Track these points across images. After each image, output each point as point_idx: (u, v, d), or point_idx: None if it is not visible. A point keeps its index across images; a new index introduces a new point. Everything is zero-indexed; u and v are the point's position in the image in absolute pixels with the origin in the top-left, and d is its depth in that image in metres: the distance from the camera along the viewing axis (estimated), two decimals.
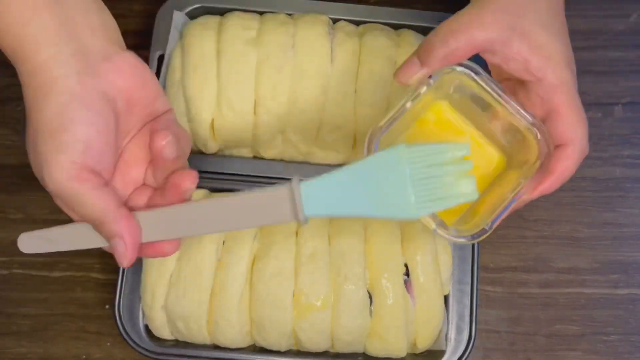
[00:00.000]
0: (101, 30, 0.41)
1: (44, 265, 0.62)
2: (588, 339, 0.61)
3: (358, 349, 0.56)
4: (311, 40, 0.57)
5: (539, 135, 0.44)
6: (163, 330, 0.56)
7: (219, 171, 0.59)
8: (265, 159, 0.60)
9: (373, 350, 0.55)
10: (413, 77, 0.45)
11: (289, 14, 0.61)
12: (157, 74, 0.61)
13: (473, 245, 0.58)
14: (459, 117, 0.48)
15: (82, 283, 0.62)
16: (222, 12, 0.61)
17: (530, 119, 0.44)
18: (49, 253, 0.63)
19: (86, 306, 0.61)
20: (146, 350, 0.56)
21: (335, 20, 0.61)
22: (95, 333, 0.61)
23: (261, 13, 0.61)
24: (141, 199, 0.43)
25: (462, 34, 0.43)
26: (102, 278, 0.62)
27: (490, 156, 0.48)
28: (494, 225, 0.44)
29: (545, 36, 0.43)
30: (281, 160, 0.60)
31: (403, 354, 0.55)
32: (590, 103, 0.66)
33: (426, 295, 0.54)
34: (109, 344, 0.61)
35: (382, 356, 0.56)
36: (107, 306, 0.61)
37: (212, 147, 0.59)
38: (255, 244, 0.55)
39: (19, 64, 0.40)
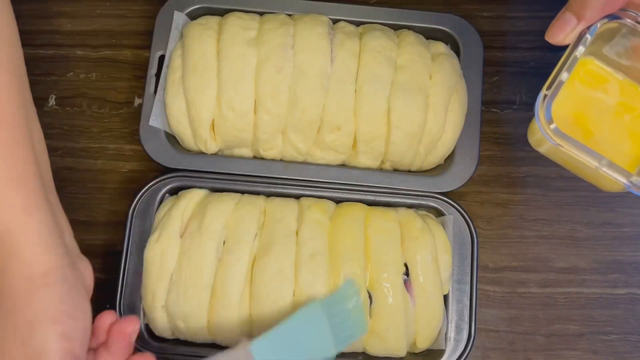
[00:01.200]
0: (69, 232, 0.46)
1: None
2: (587, 338, 0.61)
3: (358, 348, 0.56)
4: (311, 41, 0.57)
5: None
6: (164, 330, 0.56)
7: (219, 171, 0.59)
8: (265, 159, 0.60)
9: (373, 350, 0.55)
10: (569, 35, 0.43)
11: (289, 15, 0.61)
12: (158, 74, 0.61)
13: (472, 245, 0.59)
14: (608, 70, 0.48)
15: None
16: (222, 13, 0.61)
17: None
18: None
19: None
20: (146, 349, 0.56)
21: (335, 21, 0.61)
22: None
23: (261, 13, 0.61)
24: None
25: None
26: (103, 278, 0.62)
27: None
28: None
29: None
30: (281, 160, 0.60)
31: (403, 353, 0.55)
32: None
33: (426, 295, 0.55)
34: None
35: (382, 356, 0.56)
36: (107, 306, 0.61)
37: (212, 147, 0.60)
38: (256, 244, 0.55)
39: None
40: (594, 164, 0.45)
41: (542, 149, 0.52)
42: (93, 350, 0.45)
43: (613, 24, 0.45)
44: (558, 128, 0.45)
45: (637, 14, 0.44)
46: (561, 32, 0.44)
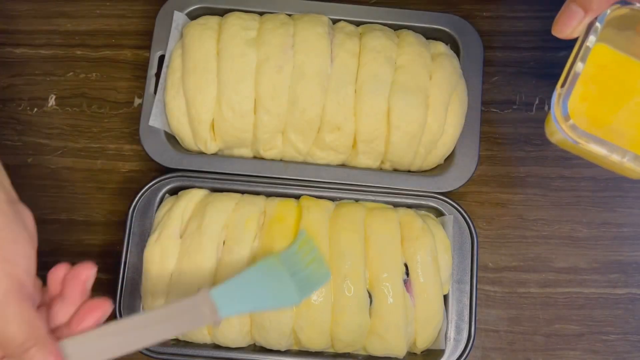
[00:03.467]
0: (7, 179, 0.45)
1: (45, 265, 0.62)
2: (587, 338, 0.61)
3: (358, 348, 0.56)
4: (311, 41, 0.57)
5: None
6: None
7: (219, 171, 0.59)
8: (265, 159, 0.60)
9: (373, 350, 0.55)
10: (577, 27, 0.42)
11: (289, 14, 0.61)
12: (158, 74, 0.61)
13: (472, 245, 0.59)
14: (622, 55, 0.46)
15: None
16: (222, 13, 0.61)
17: None
18: (49, 253, 0.63)
19: None
20: (147, 350, 0.56)
21: (335, 21, 0.61)
22: None
23: (261, 13, 0.61)
24: None
25: None
26: (103, 278, 0.62)
27: None
28: None
29: None
30: (281, 160, 0.60)
31: (403, 353, 0.55)
32: None
33: (426, 295, 0.55)
34: None
35: (382, 356, 0.56)
36: None
37: (212, 147, 0.60)
38: (256, 244, 0.55)
39: None
40: (617, 159, 0.43)
41: (557, 141, 0.50)
42: (46, 305, 0.43)
43: (623, 10, 0.43)
44: (576, 125, 0.43)
45: None
46: (568, 26, 0.42)
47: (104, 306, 0.42)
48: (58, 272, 0.43)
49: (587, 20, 0.42)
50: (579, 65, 0.43)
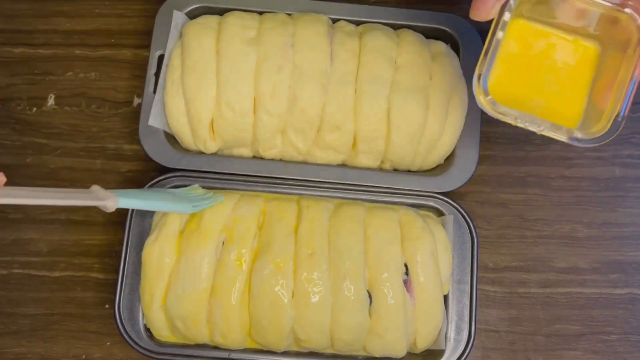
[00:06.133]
0: None
1: (44, 265, 0.62)
2: (587, 338, 0.61)
3: (357, 348, 0.56)
4: (311, 40, 0.57)
5: (629, 12, 0.44)
6: (162, 330, 0.56)
7: (219, 171, 0.59)
8: (265, 159, 0.60)
9: (373, 350, 0.55)
10: (492, 10, 0.44)
11: (289, 14, 0.61)
12: (157, 73, 0.61)
13: (472, 245, 0.58)
14: (540, 26, 0.48)
15: (81, 283, 0.62)
16: (221, 12, 0.61)
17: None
18: (48, 253, 0.63)
19: (86, 306, 0.61)
20: (146, 350, 0.56)
21: (335, 20, 0.61)
22: (95, 333, 0.61)
23: (261, 13, 0.61)
24: None
25: None
26: (102, 278, 0.62)
27: (585, 50, 0.48)
28: (627, 111, 0.43)
29: None
30: (281, 160, 0.60)
31: (403, 353, 0.55)
32: None
33: (426, 295, 0.55)
34: (108, 343, 0.61)
35: (381, 356, 0.56)
36: (107, 306, 0.61)
37: (212, 147, 0.59)
38: (255, 244, 0.55)
39: None
40: (534, 129, 0.45)
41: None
42: None
43: None
44: (494, 100, 0.45)
45: None
46: (484, 9, 0.44)
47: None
48: None
49: (501, 1, 0.44)
50: (499, 34, 0.45)
